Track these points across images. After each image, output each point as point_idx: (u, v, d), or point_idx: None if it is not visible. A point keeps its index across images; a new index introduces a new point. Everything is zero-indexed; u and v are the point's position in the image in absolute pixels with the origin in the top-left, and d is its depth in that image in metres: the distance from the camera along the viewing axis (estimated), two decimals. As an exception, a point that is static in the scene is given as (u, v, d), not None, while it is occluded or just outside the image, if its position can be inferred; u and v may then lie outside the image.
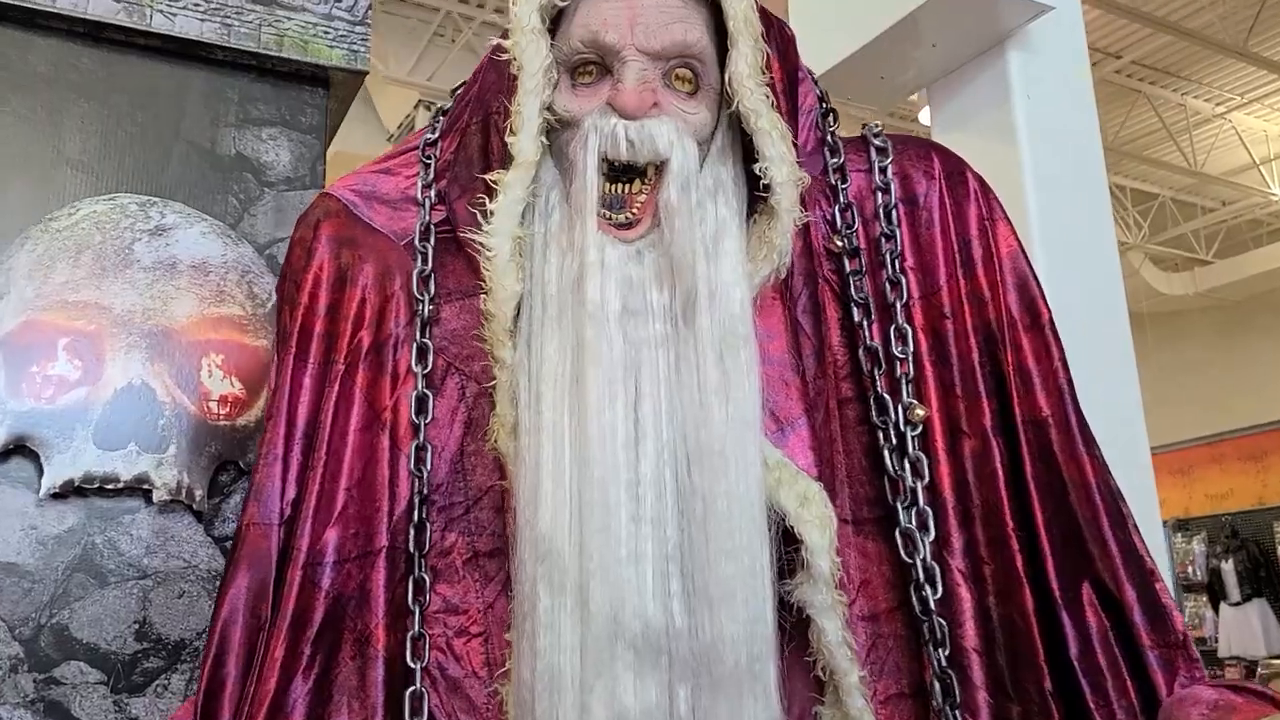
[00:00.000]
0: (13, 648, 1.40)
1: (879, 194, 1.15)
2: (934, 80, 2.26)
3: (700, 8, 1.04)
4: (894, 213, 1.14)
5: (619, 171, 1.01)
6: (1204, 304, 12.41)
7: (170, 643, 1.47)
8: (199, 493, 1.51)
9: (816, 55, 2.24)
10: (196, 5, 1.65)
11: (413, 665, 1.03)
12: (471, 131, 1.14)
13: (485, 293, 1.04)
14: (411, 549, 1.05)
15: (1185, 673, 1.00)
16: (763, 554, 0.96)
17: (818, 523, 0.99)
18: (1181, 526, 8.33)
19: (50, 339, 1.46)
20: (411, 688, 1.02)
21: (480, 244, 1.03)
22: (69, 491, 1.44)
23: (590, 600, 0.90)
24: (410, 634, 1.03)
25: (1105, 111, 9.56)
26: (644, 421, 0.94)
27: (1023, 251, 1.16)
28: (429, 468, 1.07)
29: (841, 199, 1.15)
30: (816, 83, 1.24)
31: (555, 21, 1.07)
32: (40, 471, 1.44)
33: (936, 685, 1.01)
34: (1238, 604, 7.69)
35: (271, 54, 1.69)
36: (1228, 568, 7.84)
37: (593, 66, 1.04)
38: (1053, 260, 2.00)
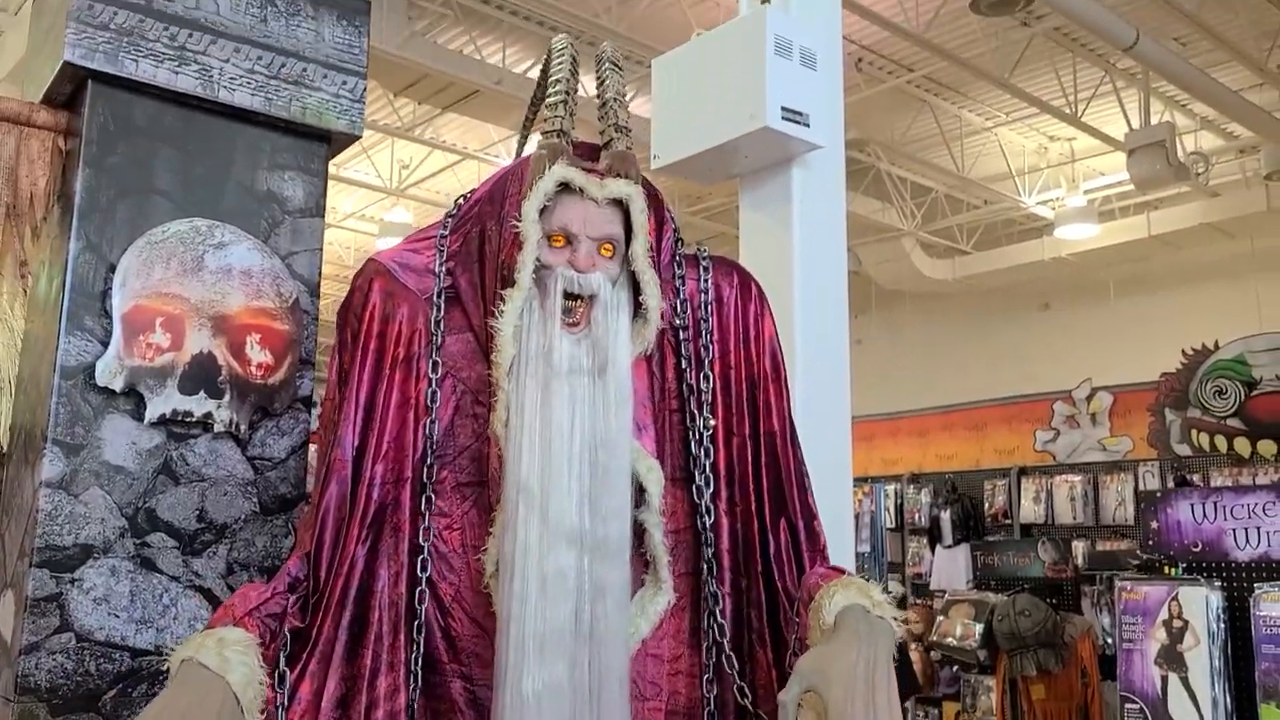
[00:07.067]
0: (120, 521, 2.12)
1: (701, 294, 1.93)
2: (746, 174, 3.22)
3: (619, 211, 1.76)
4: (709, 307, 1.92)
5: (570, 297, 1.73)
6: (960, 289, 14.14)
7: (218, 525, 2.22)
8: (242, 427, 2.25)
9: (676, 147, 3.19)
10: (248, 83, 2.34)
11: (422, 543, 1.82)
12: (472, 237, 1.89)
13: (493, 350, 1.79)
14: (424, 479, 1.87)
15: (820, 563, 1.91)
16: (628, 494, 1.69)
17: (653, 480, 1.74)
18: (915, 480, 9.79)
19: (151, 318, 2.16)
20: (420, 555, 1.83)
21: (493, 327, 1.78)
22: (159, 422, 2.16)
23: (548, 513, 1.71)
24: (422, 526, 1.85)
25: (897, 115, 10.89)
26: (577, 425, 1.74)
27: (777, 337, 1.96)
28: (436, 433, 1.88)
29: (681, 295, 1.92)
30: (674, 222, 2.00)
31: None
32: (143, 407, 2.15)
33: (704, 567, 1.85)
34: (950, 546, 9.19)
35: (296, 120, 2.39)
36: (945, 516, 9.30)
37: (562, 238, 1.79)
38: (807, 287, 3.04)
